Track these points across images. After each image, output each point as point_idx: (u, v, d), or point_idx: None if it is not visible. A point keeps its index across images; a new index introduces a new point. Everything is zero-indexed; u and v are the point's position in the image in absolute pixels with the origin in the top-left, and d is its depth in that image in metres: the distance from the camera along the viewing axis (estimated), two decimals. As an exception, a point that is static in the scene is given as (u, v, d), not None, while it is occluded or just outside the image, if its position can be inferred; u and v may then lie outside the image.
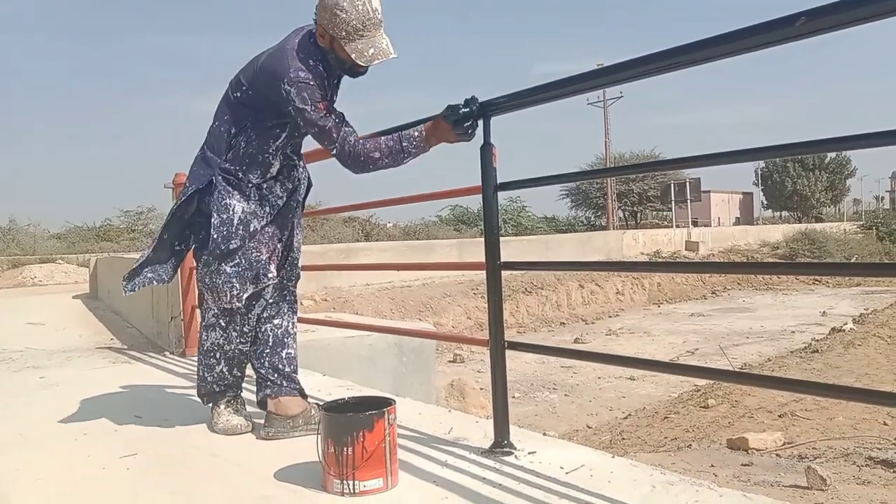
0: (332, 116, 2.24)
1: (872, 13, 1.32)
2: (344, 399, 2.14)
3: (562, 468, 1.98)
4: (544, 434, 4.16)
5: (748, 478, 3.87)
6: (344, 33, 2.17)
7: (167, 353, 4.69)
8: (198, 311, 4.01)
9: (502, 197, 2.49)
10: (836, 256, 22.58)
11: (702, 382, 6.91)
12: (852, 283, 19.14)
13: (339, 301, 11.40)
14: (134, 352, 4.86)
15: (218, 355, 2.52)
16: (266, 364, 2.54)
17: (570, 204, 44.39)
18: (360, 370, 4.38)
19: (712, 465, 4.23)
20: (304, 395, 2.58)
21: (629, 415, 7.10)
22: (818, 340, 9.43)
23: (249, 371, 2.62)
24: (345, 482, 1.87)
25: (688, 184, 28.37)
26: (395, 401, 2.03)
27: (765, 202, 54.08)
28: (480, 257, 2.28)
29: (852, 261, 19.32)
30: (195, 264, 2.64)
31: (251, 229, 2.39)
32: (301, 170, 2.61)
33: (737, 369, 7.55)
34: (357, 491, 1.86)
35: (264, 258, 2.44)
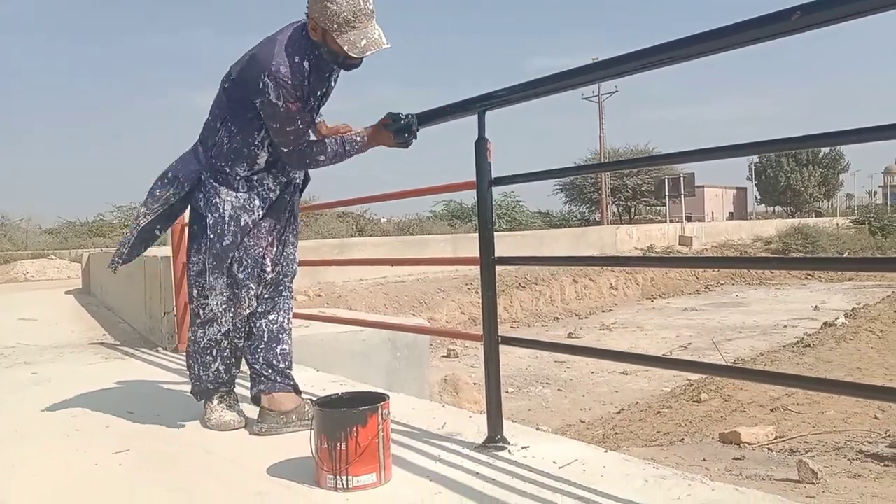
0: (299, 121, 2.25)
1: (867, 7, 1.33)
2: (337, 394, 2.13)
3: (555, 463, 1.99)
4: (537, 429, 4.17)
5: (740, 471, 3.89)
6: (335, 25, 2.15)
7: (160, 348, 4.67)
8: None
9: (496, 192, 2.49)
10: (828, 251, 22.67)
11: (694, 377, 6.95)
12: (845, 277, 19.26)
13: (332, 296, 11.39)
14: (126, 347, 4.84)
15: (215, 352, 2.50)
16: (260, 360, 2.53)
17: (565, 199, 44.61)
18: (354, 365, 4.37)
19: (704, 459, 4.26)
20: (297, 391, 2.57)
21: (622, 409, 7.13)
22: (810, 335, 9.49)
23: (242, 366, 2.61)
24: (338, 477, 1.87)
25: (682, 179, 28.40)
26: (388, 396, 2.03)
27: (758, 197, 54.36)
28: (474, 252, 2.28)
29: (845, 256, 19.40)
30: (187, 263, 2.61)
31: (242, 224, 2.38)
32: None
33: (729, 364, 7.57)
34: (350, 486, 1.86)
35: (260, 253, 2.43)
